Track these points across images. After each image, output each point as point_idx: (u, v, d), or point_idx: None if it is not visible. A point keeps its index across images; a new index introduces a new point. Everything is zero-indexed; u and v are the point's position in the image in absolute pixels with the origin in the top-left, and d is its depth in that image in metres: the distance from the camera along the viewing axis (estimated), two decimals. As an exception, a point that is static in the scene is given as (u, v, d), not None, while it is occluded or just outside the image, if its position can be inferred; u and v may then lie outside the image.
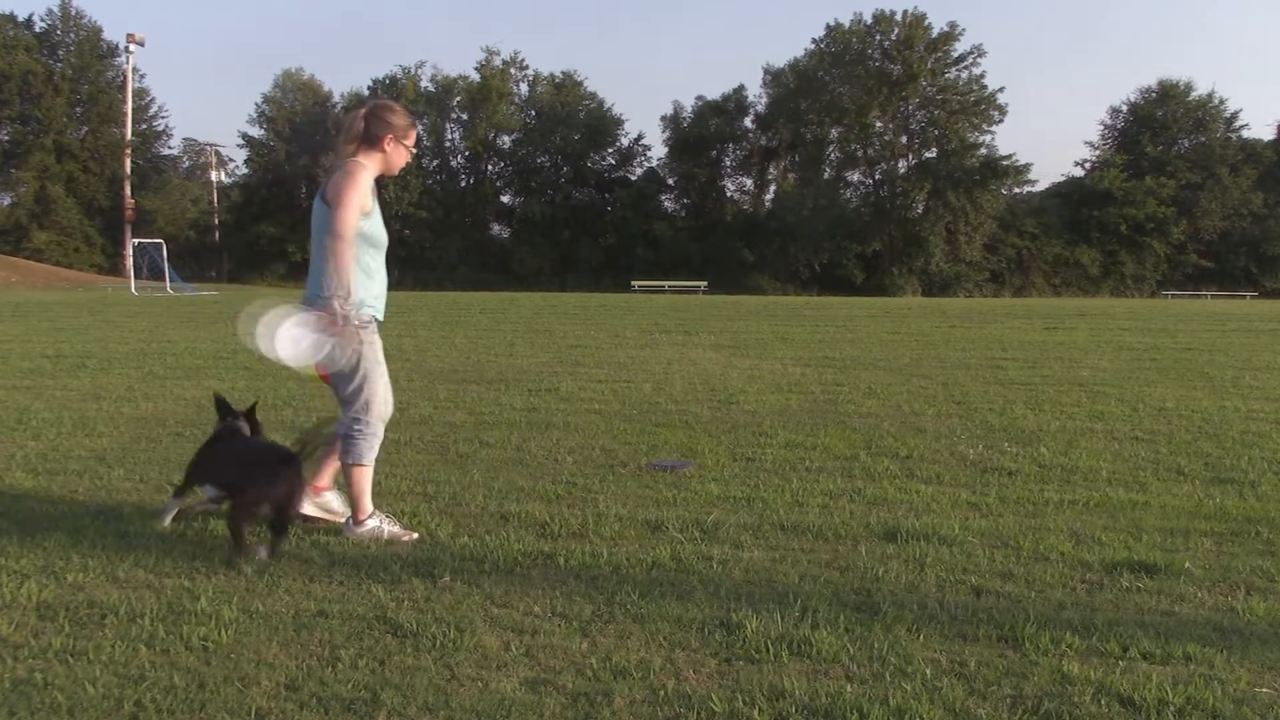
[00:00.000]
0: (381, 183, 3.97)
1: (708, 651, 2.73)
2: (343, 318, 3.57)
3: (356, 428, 3.78)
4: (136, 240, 40.15)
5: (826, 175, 57.77)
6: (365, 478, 3.82)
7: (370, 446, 3.81)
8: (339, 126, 3.88)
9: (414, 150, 3.93)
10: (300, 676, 2.53)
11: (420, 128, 54.69)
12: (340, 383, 3.77)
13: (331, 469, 4.01)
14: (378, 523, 3.81)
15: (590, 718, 2.35)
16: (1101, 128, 62.80)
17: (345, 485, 3.86)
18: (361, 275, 3.72)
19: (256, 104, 60.78)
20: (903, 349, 12.88)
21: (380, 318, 3.83)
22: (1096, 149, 61.78)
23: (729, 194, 60.64)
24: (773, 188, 60.97)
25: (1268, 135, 60.55)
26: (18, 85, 52.67)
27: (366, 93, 58.22)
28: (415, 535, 3.81)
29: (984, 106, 54.33)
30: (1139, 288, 55.71)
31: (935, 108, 54.84)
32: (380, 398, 3.81)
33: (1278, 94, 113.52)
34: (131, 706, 2.36)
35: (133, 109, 55.83)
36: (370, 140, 3.76)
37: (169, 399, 7.51)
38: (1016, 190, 56.85)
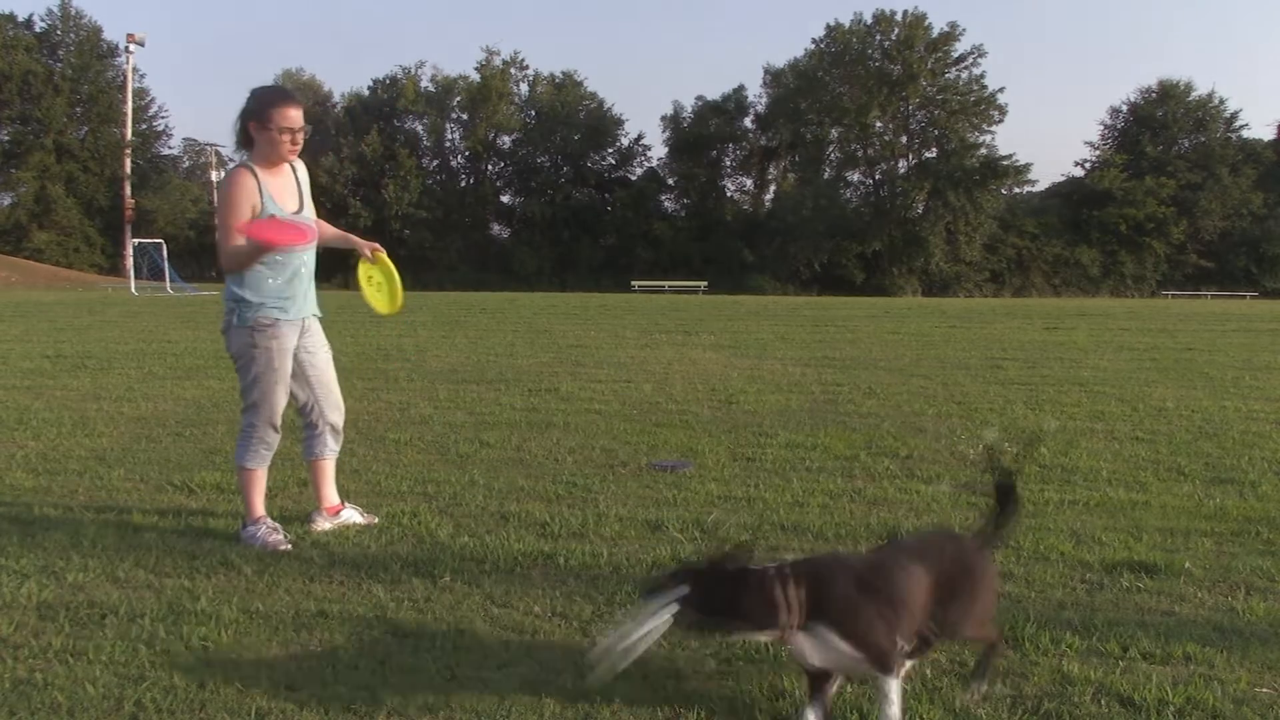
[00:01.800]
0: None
1: (708, 651, 2.73)
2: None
3: (244, 429, 3.74)
4: (136, 240, 40.14)
5: (826, 175, 57.76)
6: (251, 481, 3.74)
7: (253, 451, 3.72)
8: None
9: (288, 129, 3.58)
10: (300, 676, 2.53)
11: (422, 127, 53.84)
12: (239, 378, 3.75)
13: (331, 484, 3.99)
14: (256, 529, 3.69)
15: (590, 718, 2.35)
16: (1101, 128, 62.83)
17: (238, 485, 3.82)
18: (256, 275, 3.59)
19: (257, 104, 60.75)
20: (903, 349, 12.87)
21: (291, 317, 3.68)
22: (1096, 149, 61.78)
23: (729, 194, 60.67)
24: (773, 188, 60.99)
25: (1268, 135, 60.62)
26: (18, 85, 52.68)
27: (367, 93, 58.29)
28: (290, 546, 3.63)
29: (984, 106, 54.32)
30: (1139, 288, 55.69)
31: (935, 108, 54.83)
32: (271, 404, 3.69)
33: (1278, 94, 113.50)
34: (131, 706, 2.36)
35: (133, 109, 55.80)
36: (243, 138, 3.64)
37: (169, 399, 7.51)
38: (1016, 190, 56.87)
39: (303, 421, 3.92)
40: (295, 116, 3.62)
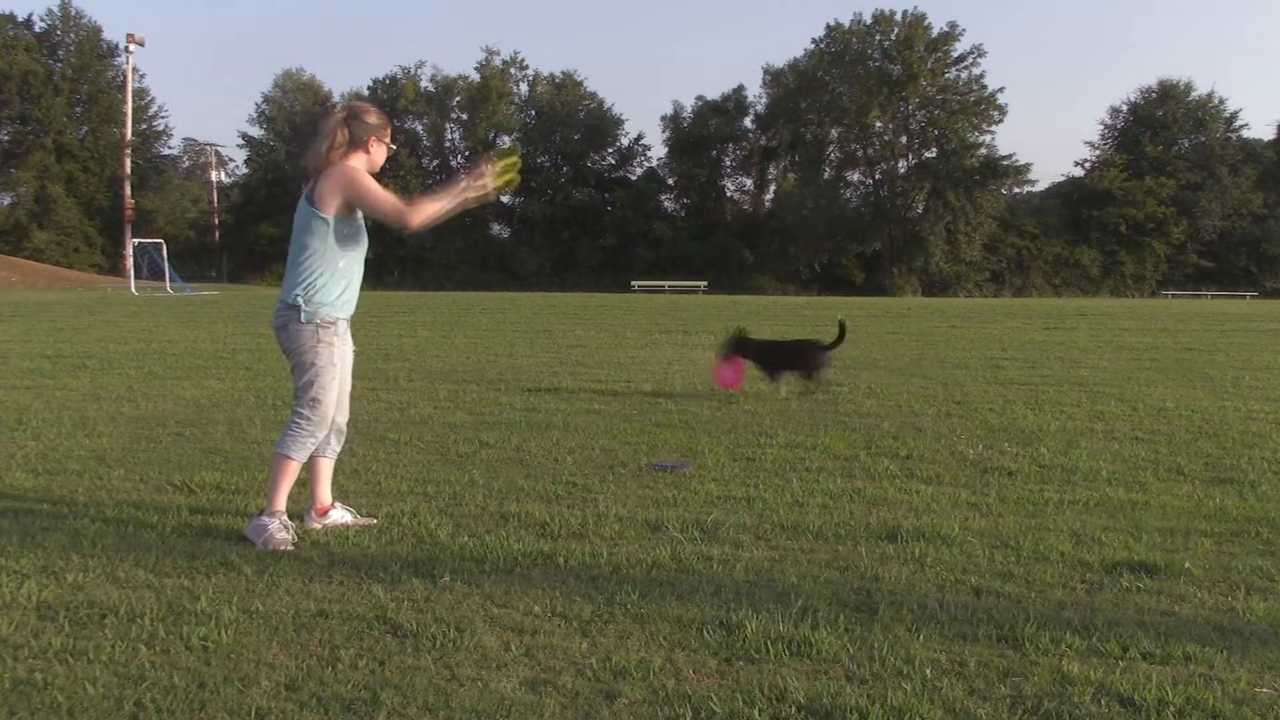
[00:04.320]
0: (378, 180, 3.96)
1: (708, 651, 2.73)
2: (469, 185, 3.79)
3: (298, 420, 3.78)
4: (136, 240, 40.15)
5: (826, 175, 57.77)
6: (289, 473, 3.79)
7: (300, 443, 3.79)
8: (316, 132, 3.90)
9: (393, 146, 3.98)
10: (300, 676, 2.53)
11: (422, 127, 54.09)
12: (295, 373, 3.80)
13: (327, 484, 4.01)
14: (270, 522, 3.70)
15: (590, 718, 2.34)
16: (1101, 128, 62.85)
17: (271, 472, 3.82)
18: (329, 275, 3.77)
19: (256, 104, 60.95)
20: (903, 349, 12.87)
21: (344, 316, 3.87)
22: (1096, 149, 61.81)
23: (729, 194, 60.74)
24: (773, 188, 61.03)
25: (1268, 135, 60.62)
26: (18, 85, 52.68)
27: (366, 93, 58.26)
28: (291, 547, 3.64)
29: (984, 106, 54.33)
30: (1139, 288, 55.69)
31: (935, 108, 54.84)
32: (329, 399, 3.80)
33: (1278, 94, 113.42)
34: (131, 706, 2.35)
35: (133, 109, 55.83)
36: (356, 144, 3.81)
37: (169, 399, 7.51)
38: (1016, 190, 56.91)
39: None
40: None
